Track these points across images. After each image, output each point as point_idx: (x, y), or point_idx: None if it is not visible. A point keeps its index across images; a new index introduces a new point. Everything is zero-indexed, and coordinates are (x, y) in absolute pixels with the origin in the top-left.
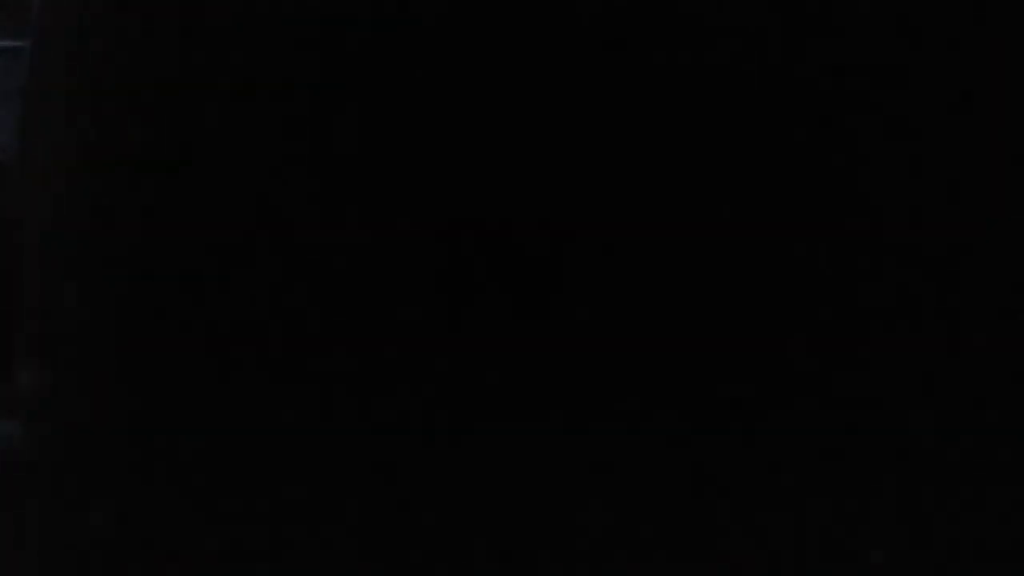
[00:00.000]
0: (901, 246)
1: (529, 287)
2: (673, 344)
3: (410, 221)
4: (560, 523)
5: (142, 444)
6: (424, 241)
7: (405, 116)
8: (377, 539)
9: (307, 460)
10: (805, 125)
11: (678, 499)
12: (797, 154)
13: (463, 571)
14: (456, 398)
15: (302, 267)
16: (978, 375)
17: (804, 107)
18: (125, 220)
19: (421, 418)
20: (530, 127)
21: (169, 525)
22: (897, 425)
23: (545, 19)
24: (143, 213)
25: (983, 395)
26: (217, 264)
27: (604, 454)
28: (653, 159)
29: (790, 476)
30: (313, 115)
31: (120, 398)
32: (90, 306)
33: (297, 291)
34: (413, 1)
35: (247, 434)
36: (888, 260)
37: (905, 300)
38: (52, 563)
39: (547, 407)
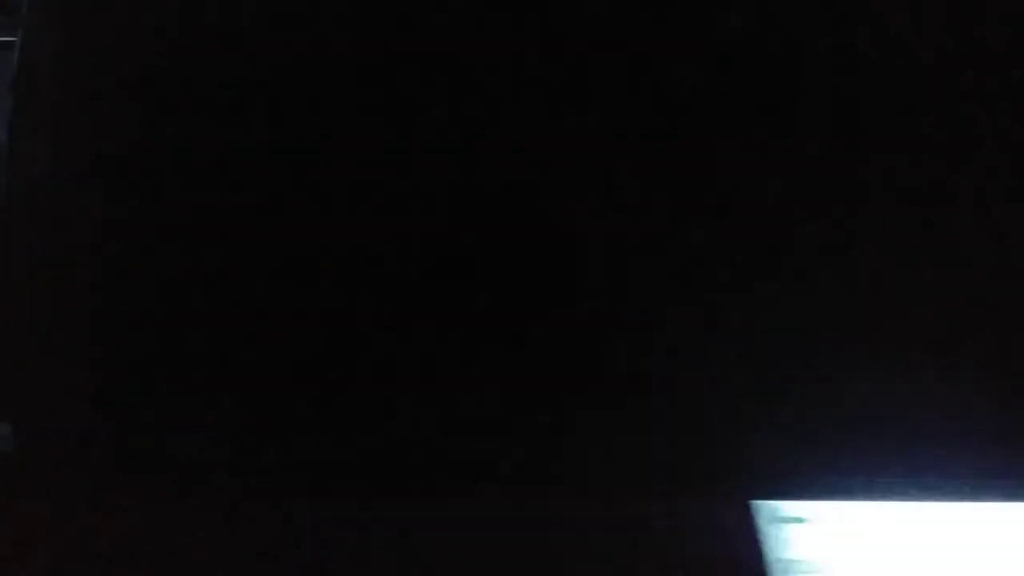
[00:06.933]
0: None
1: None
2: None
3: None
4: None
5: (134, 441)
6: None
7: (402, 116)
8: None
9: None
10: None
11: None
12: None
13: None
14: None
15: (296, 267)
16: None
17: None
18: (116, 216)
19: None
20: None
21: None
22: None
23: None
24: (134, 209)
25: None
26: (211, 260)
27: None
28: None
29: None
30: (309, 112)
31: (111, 396)
32: (82, 303)
33: (292, 290)
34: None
35: (243, 433)
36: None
37: None
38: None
39: None
